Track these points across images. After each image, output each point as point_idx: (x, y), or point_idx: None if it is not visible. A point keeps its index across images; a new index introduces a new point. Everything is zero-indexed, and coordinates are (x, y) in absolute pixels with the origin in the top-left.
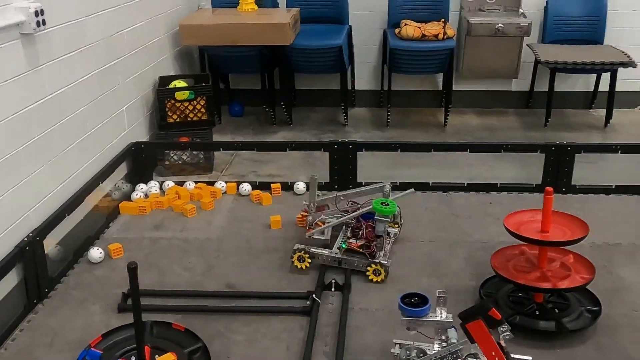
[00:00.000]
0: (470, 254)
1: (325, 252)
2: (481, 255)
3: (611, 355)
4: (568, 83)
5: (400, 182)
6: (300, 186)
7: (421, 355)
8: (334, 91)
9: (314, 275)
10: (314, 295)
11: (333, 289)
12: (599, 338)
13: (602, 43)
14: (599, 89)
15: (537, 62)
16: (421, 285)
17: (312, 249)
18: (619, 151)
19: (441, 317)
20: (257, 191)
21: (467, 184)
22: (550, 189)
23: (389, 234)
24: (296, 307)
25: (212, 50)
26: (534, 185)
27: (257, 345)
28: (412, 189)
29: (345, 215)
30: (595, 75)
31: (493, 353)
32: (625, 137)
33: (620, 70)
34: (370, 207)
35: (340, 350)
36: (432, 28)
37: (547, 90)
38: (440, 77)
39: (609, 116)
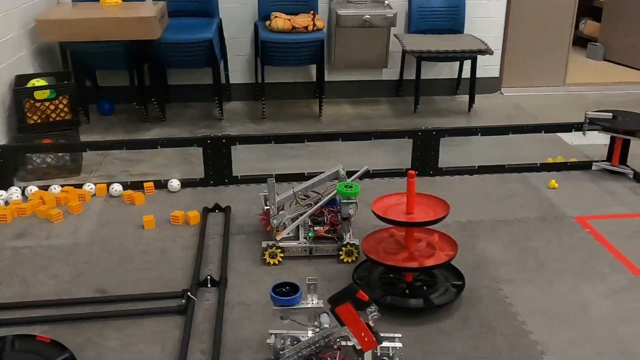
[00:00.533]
0: None
1: (294, 244)
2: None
3: (475, 325)
4: (434, 71)
5: (277, 174)
6: (175, 183)
7: (295, 342)
8: (208, 85)
9: (189, 273)
10: (189, 293)
11: (209, 285)
12: (464, 310)
13: (462, 32)
14: (462, 76)
15: (404, 52)
16: (297, 274)
17: (280, 244)
18: (479, 134)
19: (312, 303)
20: (129, 191)
21: None
22: (413, 172)
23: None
24: (171, 306)
25: (74, 47)
26: (404, 170)
27: (130, 349)
28: (367, 167)
29: (311, 207)
30: (458, 63)
31: (362, 334)
32: (486, 120)
33: (480, 57)
34: (334, 192)
35: (216, 346)
36: (302, 20)
37: (414, 78)
38: (313, 69)
39: (471, 101)
